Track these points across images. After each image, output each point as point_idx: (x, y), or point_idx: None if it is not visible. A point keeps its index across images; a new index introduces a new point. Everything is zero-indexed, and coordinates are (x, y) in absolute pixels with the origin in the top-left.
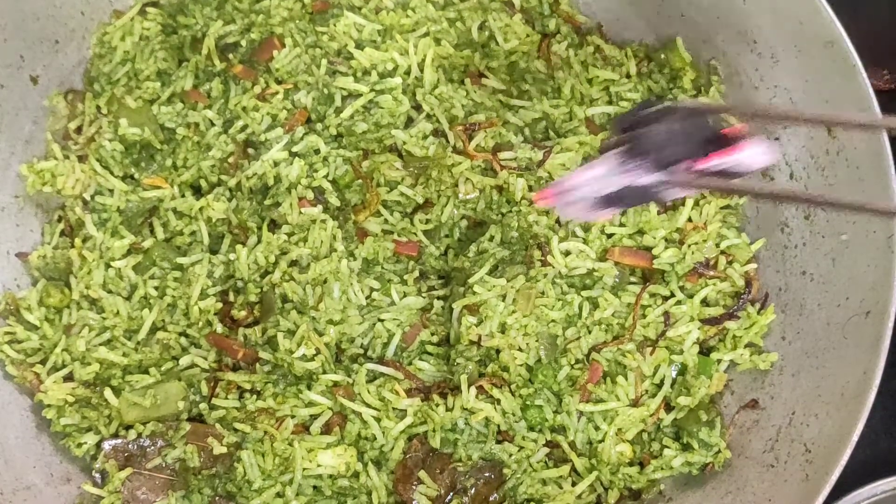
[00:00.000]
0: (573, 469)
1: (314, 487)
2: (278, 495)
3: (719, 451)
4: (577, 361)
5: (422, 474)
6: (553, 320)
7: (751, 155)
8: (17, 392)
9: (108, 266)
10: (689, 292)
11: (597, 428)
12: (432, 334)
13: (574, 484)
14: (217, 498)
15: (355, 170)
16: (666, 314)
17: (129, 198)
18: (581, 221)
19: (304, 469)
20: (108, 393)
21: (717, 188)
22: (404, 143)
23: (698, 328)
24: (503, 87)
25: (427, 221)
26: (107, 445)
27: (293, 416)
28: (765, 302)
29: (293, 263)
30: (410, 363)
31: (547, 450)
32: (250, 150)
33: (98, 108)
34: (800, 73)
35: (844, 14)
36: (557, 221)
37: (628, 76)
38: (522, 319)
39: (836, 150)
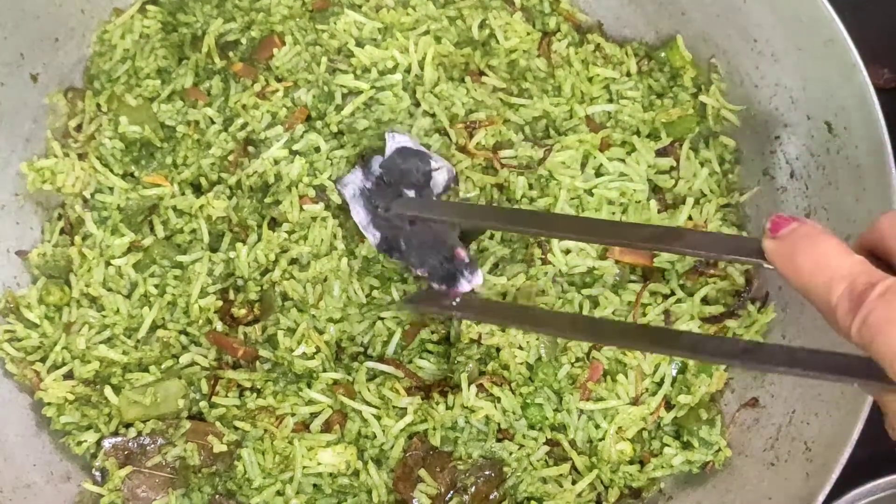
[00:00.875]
0: (573, 467)
1: (314, 485)
2: (278, 493)
3: (720, 450)
4: (578, 360)
5: (422, 472)
6: None
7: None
8: (16, 390)
9: (108, 264)
10: (689, 290)
11: (597, 426)
12: (432, 332)
13: (574, 482)
14: (217, 496)
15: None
16: (666, 312)
17: (129, 196)
18: None
19: (304, 467)
20: (108, 391)
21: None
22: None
23: (698, 326)
24: (503, 85)
25: None
26: (107, 443)
27: (293, 415)
28: (765, 300)
29: (293, 261)
30: (411, 361)
31: (547, 448)
32: (250, 148)
33: (98, 106)
34: (800, 72)
35: (845, 12)
36: None
37: (629, 74)
38: None
39: (836, 149)
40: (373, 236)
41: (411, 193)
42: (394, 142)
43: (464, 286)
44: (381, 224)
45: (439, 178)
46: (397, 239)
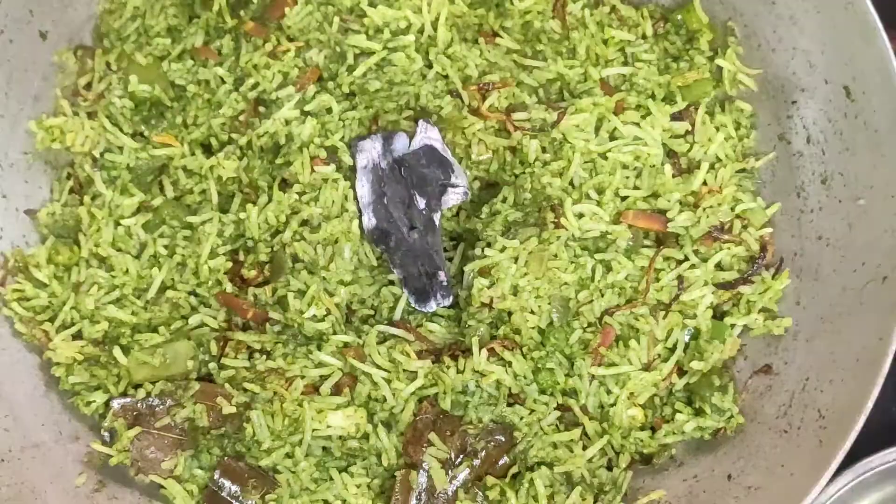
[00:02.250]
0: (584, 433)
1: (323, 448)
2: (287, 456)
3: (732, 417)
4: (590, 325)
5: (432, 436)
6: (566, 283)
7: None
8: (25, 350)
9: (117, 224)
10: (703, 256)
11: (608, 392)
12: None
13: (585, 447)
14: (226, 458)
15: (368, 130)
16: (679, 278)
17: (138, 155)
18: None
19: (313, 430)
20: (117, 351)
21: None
22: (418, 96)
23: (712, 292)
24: (517, 46)
25: None
26: (115, 404)
27: (303, 377)
28: (779, 267)
29: (304, 223)
30: (421, 325)
31: (558, 413)
32: (261, 109)
33: (108, 64)
34: (818, 35)
35: None
36: (571, 183)
37: (644, 37)
38: (535, 282)
39: (854, 114)
40: (369, 220)
41: (422, 201)
42: (424, 133)
43: (431, 306)
44: (381, 213)
45: (453, 195)
46: (390, 234)
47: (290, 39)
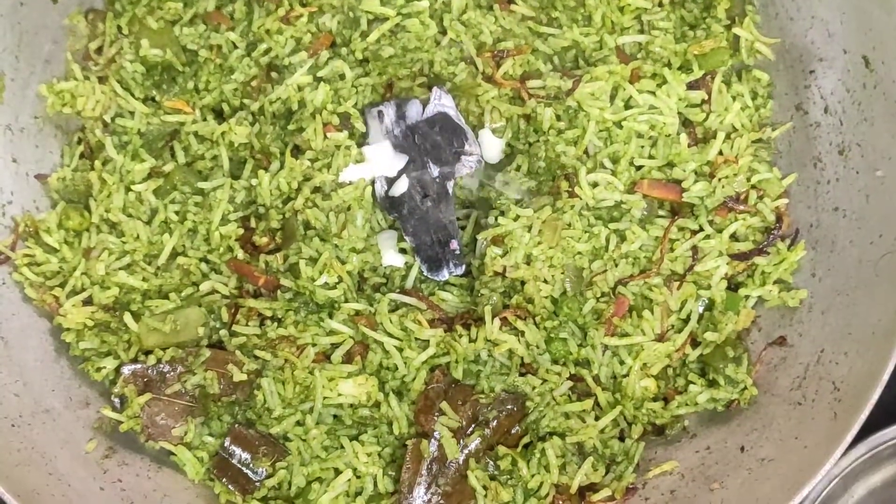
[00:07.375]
0: (596, 403)
1: (334, 416)
2: (298, 423)
3: (745, 388)
4: (603, 294)
5: (443, 405)
6: (579, 252)
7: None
8: (36, 315)
9: (128, 189)
10: (718, 226)
11: (621, 362)
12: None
13: (597, 418)
14: (236, 425)
15: (382, 96)
16: (694, 248)
17: (149, 120)
18: None
19: (324, 398)
20: (127, 317)
21: None
22: (432, 63)
23: (727, 263)
24: (533, 13)
25: None
26: (126, 370)
27: (314, 345)
28: (795, 238)
29: (316, 190)
30: (433, 293)
31: (570, 383)
32: (274, 74)
33: (119, 28)
34: (837, 4)
35: None
36: (586, 152)
37: (660, 5)
38: (548, 251)
39: (873, 84)
40: (381, 186)
41: (435, 169)
42: (438, 101)
43: (444, 275)
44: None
45: (466, 163)
46: (403, 202)
47: (303, 4)
